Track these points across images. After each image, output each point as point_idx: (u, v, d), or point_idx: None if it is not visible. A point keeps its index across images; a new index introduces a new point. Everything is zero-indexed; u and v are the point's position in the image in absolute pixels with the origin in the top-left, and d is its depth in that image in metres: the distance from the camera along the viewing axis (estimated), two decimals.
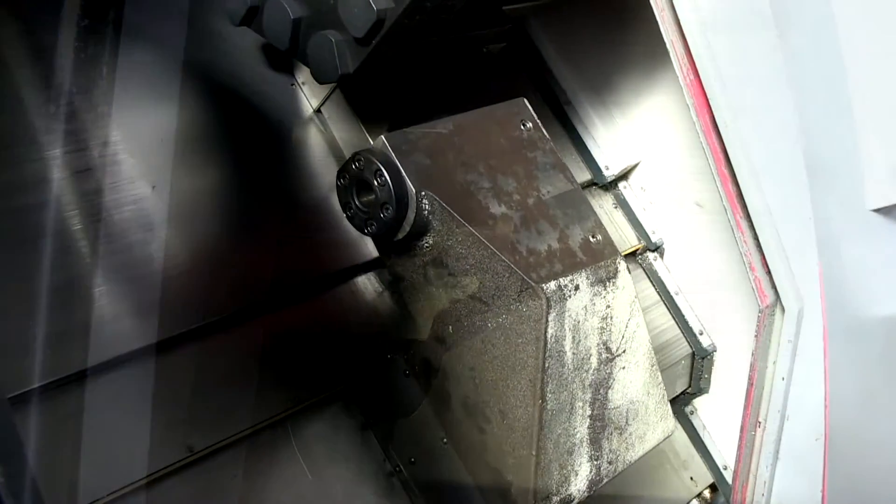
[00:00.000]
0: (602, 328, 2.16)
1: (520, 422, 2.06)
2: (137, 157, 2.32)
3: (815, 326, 2.11)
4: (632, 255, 3.22)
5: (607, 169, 3.19)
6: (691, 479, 3.15)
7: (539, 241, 2.12)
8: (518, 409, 2.05)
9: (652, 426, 2.31)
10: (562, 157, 2.40)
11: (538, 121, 2.38)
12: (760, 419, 2.18)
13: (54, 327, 2.04)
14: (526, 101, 2.40)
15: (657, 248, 3.23)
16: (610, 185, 3.25)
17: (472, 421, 2.16)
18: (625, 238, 3.21)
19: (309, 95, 2.69)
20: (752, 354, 2.16)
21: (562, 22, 3.17)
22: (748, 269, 2.09)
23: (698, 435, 3.23)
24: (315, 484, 2.23)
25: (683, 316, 3.19)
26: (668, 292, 3.20)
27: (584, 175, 3.19)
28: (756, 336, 2.14)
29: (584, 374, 2.12)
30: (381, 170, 2.04)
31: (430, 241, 2.10)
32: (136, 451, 2.07)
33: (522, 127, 2.34)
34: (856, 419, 2.25)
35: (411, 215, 2.06)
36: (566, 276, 2.08)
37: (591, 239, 2.21)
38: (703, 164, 3.00)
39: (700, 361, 3.18)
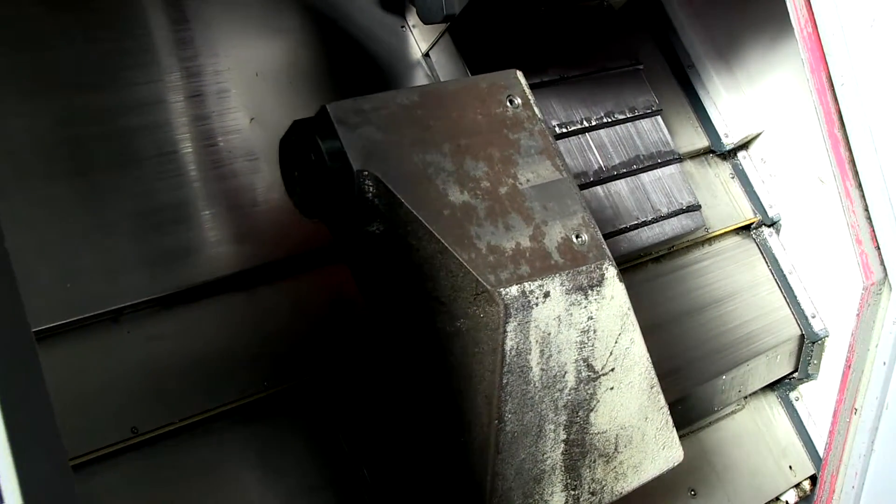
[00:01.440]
0: (582, 343, 1.85)
1: (476, 441, 1.79)
2: (241, 88, 2.30)
3: None
4: (745, 229, 3.04)
5: (727, 137, 3.01)
6: (790, 468, 2.98)
7: (506, 237, 1.80)
8: (474, 428, 1.78)
9: (651, 455, 2.00)
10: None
11: (531, 97, 2.02)
12: (857, 406, 2.00)
13: (160, 247, 2.06)
14: (520, 73, 2.05)
15: (773, 224, 3.04)
16: (728, 154, 3.07)
17: (431, 433, 1.93)
18: (739, 210, 3.03)
19: (418, 39, 2.60)
20: (851, 335, 1.99)
21: None
22: (854, 242, 1.91)
23: (802, 423, 3.06)
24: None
25: (796, 296, 3.00)
26: (782, 270, 3.02)
27: (701, 142, 3.02)
28: (857, 315, 1.97)
29: (557, 394, 1.82)
30: (318, 144, 1.75)
31: (379, 229, 1.80)
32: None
33: (509, 104, 1.98)
34: None
35: (352, 198, 1.77)
36: (533, 280, 1.77)
37: (574, 239, 1.87)
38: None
39: (810, 346, 3.00)
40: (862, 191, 1.85)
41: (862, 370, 1.96)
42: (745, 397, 2.94)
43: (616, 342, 1.91)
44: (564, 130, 2.51)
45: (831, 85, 1.82)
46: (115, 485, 1.88)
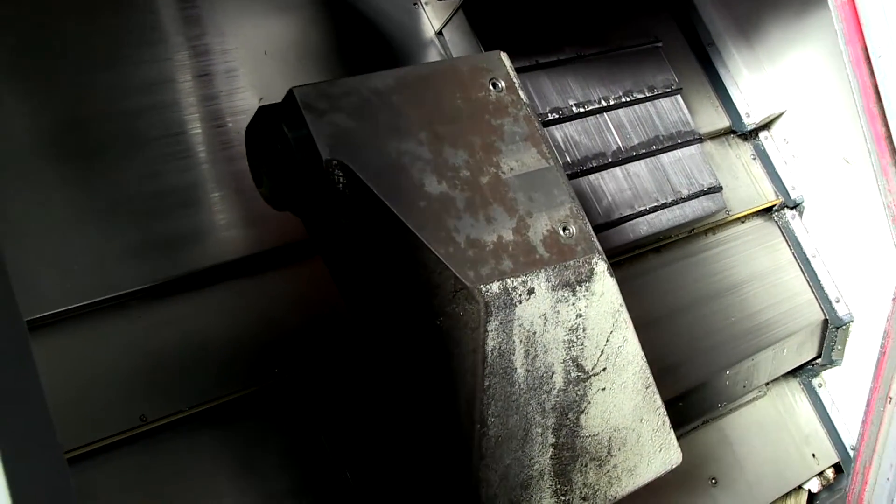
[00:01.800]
0: (571, 342, 1.74)
1: (458, 446, 1.67)
2: (248, 67, 2.24)
3: None
4: (767, 211, 2.96)
5: (748, 116, 2.92)
6: (813, 455, 2.91)
7: (487, 230, 1.68)
8: (456, 432, 1.67)
9: (647, 458, 1.87)
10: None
11: (516, 80, 1.89)
12: (892, 394, 1.92)
13: (168, 230, 2.02)
14: (504, 54, 1.92)
15: (796, 206, 2.95)
16: (750, 135, 2.99)
17: (413, 437, 1.81)
18: (761, 192, 2.94)
19: (431, 17, 2.53)
20: (887, 321, 1.90)
21: None
22: (890, 223, 1.82)
23: (825, 410, 2.98)
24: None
25: (819, 280, 2.92)
26: (805, 254, 2.93)
27: (722, 122, 2.93)
28: (893, 299, 1.88)
29: (545, 396, 1.71)
30: (284, 132, 1.63)
31: (351, 222, 1.66)
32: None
33: (492, 87, 1.84)
34: None
35: (321, 189, 1.64)
36: (516, 276, 1.66)
37: (561, 232, 1.76)
38: (856, 118, 2.78)
39: (834, 331, 2.91)
40: None
41: None
42: (767, 384, 2.87)
43: (607, 341, 1.79)
44: (582, 110, 2.43)
45: (868, 57, 1.73)
46: (124, 472, 1.84)
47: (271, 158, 1.69)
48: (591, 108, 2.45)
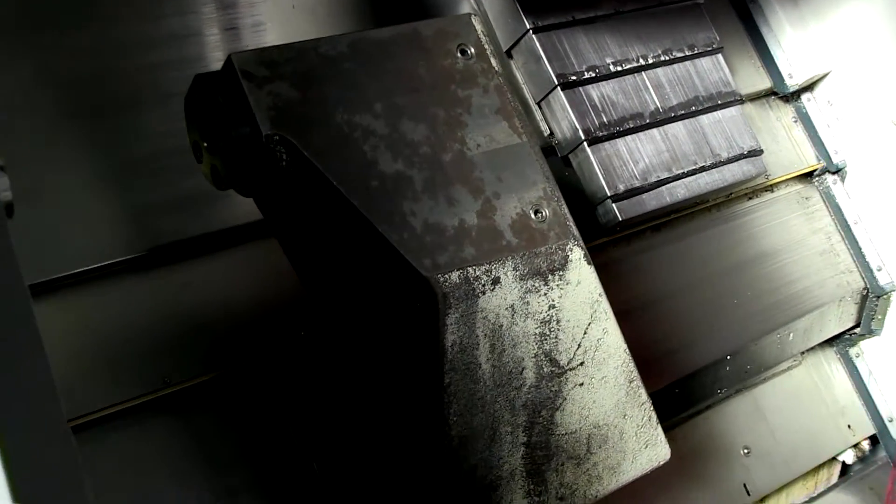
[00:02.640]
0: (543, 335, 1.61)
1: (419, 447, 1.57)
2: (275, 21, 2.19)
3: None
4: (808, 176, 2.88)
5: (791, 77, 2.84)
6: (848, 426, 2.86)
7: (448, 213, 1.54)
8: (416, 431, 1.57)
9: (631, 455, 1.74)
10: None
11: (486, 47, 1.73)
12: None
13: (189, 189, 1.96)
14: (475, 17, 1.75)
15: (838, 171, 2.87)
16: (791, 97, 2.90)
17: (376, 435, 1.72)
18: (802, 156, 2.87)
19: None
20: None
21: None
22: None
23: (862, 380, 2.92)
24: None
25: (860, 248, 2.85)
26: (846, 220, 2.86)
27: (763, 83, 2.85)
28: None
29: (514, 393, 1.58)
30: (219, 103, 1.49)
31: (297, 203, 1.55)
32: None
33: (460, 54, 1.68)
34: None
35: (262, 167, 1.51)
36: (480, 264, 1.53)
37: (533, 215, 1.62)
38: None
39: (874, 300, 2.85)
40: None
41: None
42: (803, 353, 2.81)
43: (585, 333, 1.67)
44: (620, 69, 2.35)
45: None
46: (141, 440, 1.81)
47: (210, 133, 1.56)
48: (628, 66, 2.37)
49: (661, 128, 2.38)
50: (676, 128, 2.41)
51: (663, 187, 2.34)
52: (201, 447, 1.85)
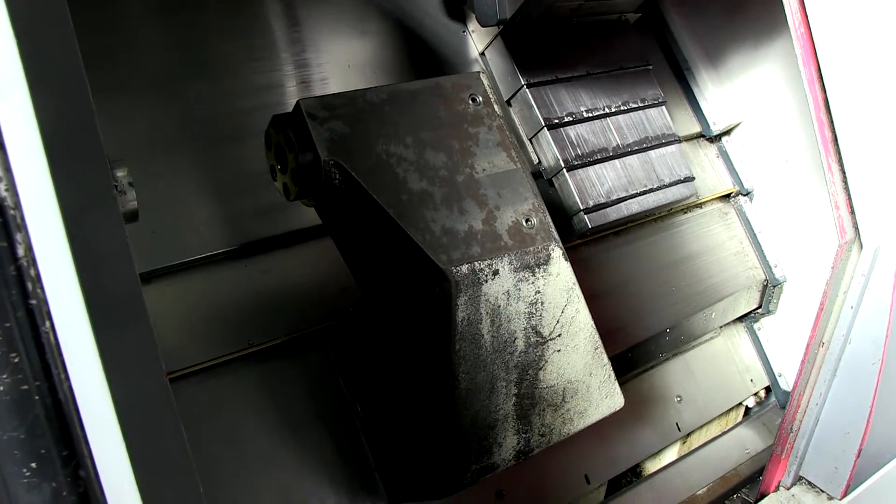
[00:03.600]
0: (530, 313, 1.57)
1: (435, 396, 1.55)
2: (336, 77, 2.11)
3: (888, 265, 1.66)
4: (726, 197, 2.78)
5: (714, 124, 2.74)
6: (751, 380, 2.76)
7: (460, 220, 1.50)
8: (433, 384, 1.54)
9: (595, 403, 1.71)
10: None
11: (491, 96, 1.69)
12: (825, 340, 1.77)
13: (269, 201, 1.88)
14: (482, 75, 1.71)
15: (748, 194, 2.78)
16: (715, 139, 2.80)
17: (401, 385, 1.68)
18: (722, 182, 2.76)
19: (476, 41, 2.37)
20: (826, 283, 1.74)
21: None
22: (833, 208, 1.65)
23: (762, 346, 2.82)
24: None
25: (763, 250, 2.75)
26: (753, 230, 2.76)
27: (694, 128, 2.75)
28: (832, 267, 1.72)
29: (508, 357, 1.56)
30: (290, 136, 1.48)
31: (347, 213, 1.52)
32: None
33: (471, 101, 1.64)
34: None
35: (321, 185, 1.48)
36: (483, 259, 1.49)
37: (524, 223, 1.58)
38: (794, 129, 2.61)
39: (772, 288, 2.76)
40: (842, 165, 1.59)
41: (832, 312, 1.72)
42: (721, 327, 2.71)
43: (562, 312, 1.61)
44: (591, 115, 2.28)
45: (820, 76, 1.56)
46: (233, 385, 1.75)
47: (282, 158, 1.52)
48: (597, 113, 2.30)
49: (620, 159, 2.31)
50: (632, 160, 2.34)
51: (622, 203, 2.27)
52: (276, 390, 1.79)
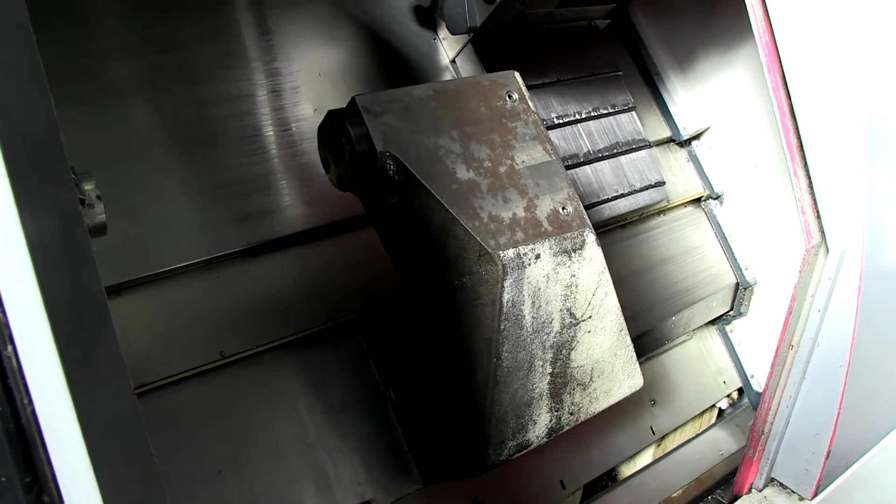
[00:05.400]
0: (566, 296, 1.65)
1: (478, 375, 1.61)
2: (308, 85, 2.11)
3: (853, 268, 1.69)
4: (697, 201, 2.81)
5: (684, 129, 2.77)
6: (724, 382, 2.79)
7: (504, 208, 1.58)
8: (476, 364, 1.61)
9: (619, 382, 1.80)
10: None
11: (526, 93, 1.78)
12: (793, 343, 1.80)
13: (245, 208, 1.91)
14: (517, 73, 1.80)
15: (718, 197, 2.81)
16: (685, 143, 2.83)
17: (440, 366, 1.73)
18: (692, 186, 2.79)
19: (447, 48, 2.38)
20: (794, 287, 1.77)
21: (659, 5, 2.74)
22: (799, 213, 1.68)
23: (734, 348, 2.85)
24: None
25: (734, 253, 2.78)
26: (724, 233, 2.79)
27: (665, 133, 2.78)
28: (799, 271, 1.75)
29: (545, 337, 1.63)
30: (348, 130, 1.54)
31: (399, 201, 1.59)
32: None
33: (508, 98, 1.73)
34: (876, 352, 1.86)
35: (376, 174, 1.56)
36: (527, 244, 1.57)
37: (561, 210, 1.66)
38: (762, 133, 2.65)
39: (743, 291, 2.79)
40: (807, 170, 1.62)
41: (800, 315, 1.75)
42: (693, 330, 2.74)
43: (594, 295, 1.69)
44: (561, 121, 2.30)
45: (785, 83, 1.59)
46: (203, 396, 1.73)
47: (338, 150, 1.60)
48: (567, 119, 2.32)
49: (591, 165, 2.34)
50: (602, 165, 2.36)
51: (593, 209, 2.29)
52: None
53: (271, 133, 2.01)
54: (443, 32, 2.37)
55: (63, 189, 0.77)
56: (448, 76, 2.35)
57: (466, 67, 2.33)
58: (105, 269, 0.80)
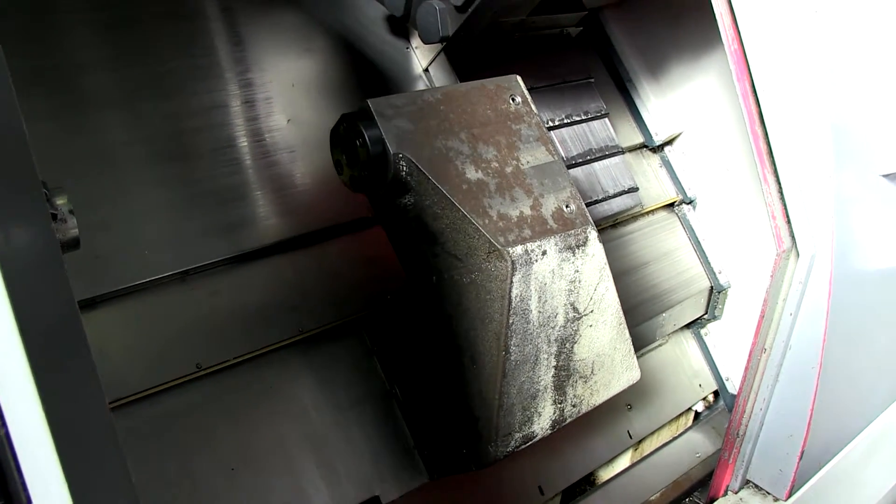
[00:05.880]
0: (570, 290, 1.69)
1: (486, 369, 1.65)
2: (281, 96, 2.10)
3: (823, 272, 1.73)
4: (670, 206, 2.84)
5: (657, 135, 2.80)
6: (700, 385, 2.82)
7: (512, 206, 1.64)
8: (485, 358, 1.64)
9: (617, 375, 1.85)
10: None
11: (528, 96, 1.85)
12: (766, 346, 1.83)
13: (221, 220, 1.90)
14: (519, 77, 1.86)
15: (691, 202, 2.84)
16: (657, 149, 2.86)
17: (448, 362, 1.76)
18: (666, 191, 2.82)
19: (420, 57, 2.39)
20: (766, 291, 1.80)
21: (630, 12, 2.77)
22: (770, 218, 1.71)
23: (709, 352, 2.88)
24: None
25: (707, 257, 2.81)
26: (697, 238, 2.82)
27: (637, 139, 2.81)
28: (771, 276, 1.78)
29: (550, 331, 1.67)
30: (362, 132, 1.59)
31: (411, 200, 1.64)
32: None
33: (511, 101, 1.80)
34: (846, 354, 1.90)
35: (389, 175, 1.60)
36: (534, 241, 1.62)
37: (565, 208, 1.71)
38: (733, 138, 2.69)
39: (717, 295, 2.82)
40: (777, 176, 1.65)
41: (772, 319, 1.78)
42: (668, 334, 2.77)
43: (595, 289, 1.75)
44: None
45: (754, 90, 1.62)
46: (183, 409, 1.73)
47: (352, 151, 1.65)
48: None
49: None
50: (576, 172, 2.38)
51: None
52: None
53: (245, 144, 1.99)
54: (416, 41, 2.38)
55: (34, 204, 0.77)
56: (421, 85, 2.36)
57: (440, 76, 2.34)
58: (79, 283, 0.79)
